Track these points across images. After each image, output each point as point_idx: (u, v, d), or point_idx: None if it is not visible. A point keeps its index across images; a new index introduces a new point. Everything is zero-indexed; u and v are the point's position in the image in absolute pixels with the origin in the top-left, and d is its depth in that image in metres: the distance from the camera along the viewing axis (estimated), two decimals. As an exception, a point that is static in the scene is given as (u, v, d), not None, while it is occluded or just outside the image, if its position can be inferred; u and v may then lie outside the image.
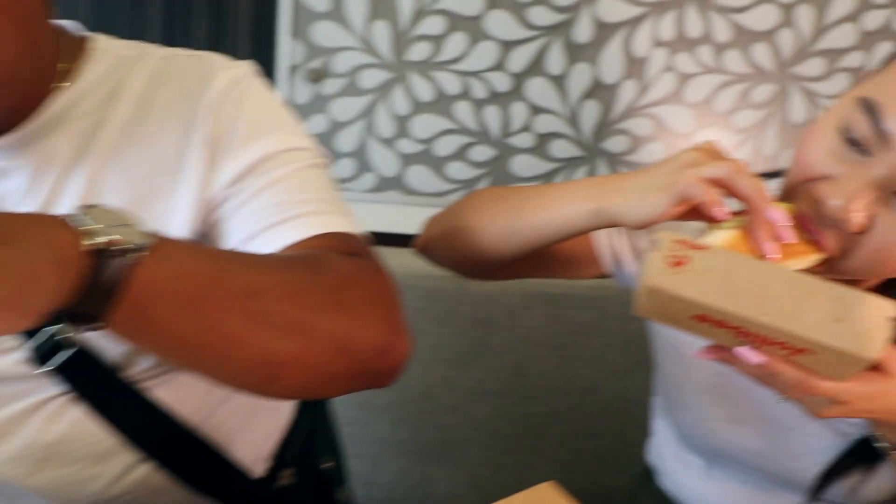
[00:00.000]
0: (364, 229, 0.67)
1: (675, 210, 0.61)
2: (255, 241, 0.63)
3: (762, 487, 0.81)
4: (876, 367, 0.57)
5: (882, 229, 0.58)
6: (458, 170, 1.44)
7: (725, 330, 0.55)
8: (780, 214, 0.58)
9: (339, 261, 0.58)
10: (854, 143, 0.59)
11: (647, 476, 0.98)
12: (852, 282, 0.68)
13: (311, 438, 0.89)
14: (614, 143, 1.42)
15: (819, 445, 0.74)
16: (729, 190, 0.59)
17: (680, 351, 0.82)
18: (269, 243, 0.62)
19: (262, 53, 1.42)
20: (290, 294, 0.52)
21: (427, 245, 0.87)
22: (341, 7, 1.38)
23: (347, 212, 0.68)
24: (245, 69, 0.71)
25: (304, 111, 1.43)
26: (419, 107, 1.42)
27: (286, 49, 1.40)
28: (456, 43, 1.38)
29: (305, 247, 0.62)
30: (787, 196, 0.65)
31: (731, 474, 0.83)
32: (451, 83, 1.40)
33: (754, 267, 0.53)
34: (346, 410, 1.31)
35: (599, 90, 1.40)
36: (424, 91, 1.41)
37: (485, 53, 1.39)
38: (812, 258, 0.61)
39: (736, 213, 0.61)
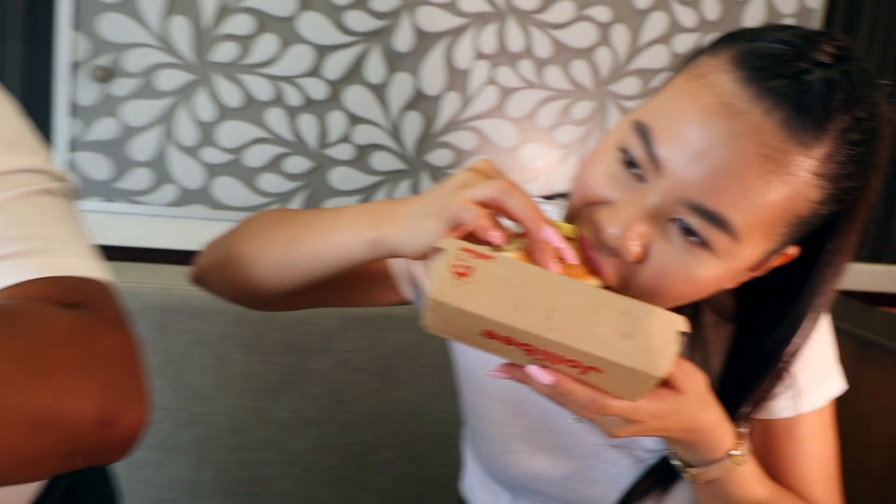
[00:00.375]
0: (103, 275, 0.55)
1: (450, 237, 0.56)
2: None
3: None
4: (667, 384, 0.55)
5: (658, 258, 0.56)
6: (271, 182, 1.33)
7: (515, 347, 0.51)
8: (554, 235, 0.54)
9: (47, 315, 0.47)
10: (631, 167, 0.57)
11: (458, 511, 0.94)
12: None
13: (70, 495, 0.76)
14: (437, 157, 1.38)
15: (617, 471, 0.74)
16: (501, 211, 0.55)
17: (479, 380, 0.78)
18: None
19: (37, 47, 1.24)
20: None
21: (201, 275, 0.77)
22: (133, -2, 1.24)
23: (81, 250, 0.56)
24: None
25: (89, 114, 1.26)
26: (226, 113, 1.29)
27: (66, 43, 1.22)
28: (266, 45, 1.28)
29: (6, 297, 0.50)
30: (570, 219, 0.62)
31: None
32: (261, 88, 1.29)
33: (542, 278, 0.50)
34: (140, 451, 1.16)
35: (421, 101, 1.35)
36: (231, 95, 1.29)
37: (298, 58, 1.29)
38: (593, 283, 0.58)
39: (519, 235, 0.57)
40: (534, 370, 0.52)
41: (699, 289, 0.58)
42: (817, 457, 0.72)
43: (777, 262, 0.62)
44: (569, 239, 0.58)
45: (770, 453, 0.72)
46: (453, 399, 1.23)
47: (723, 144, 0.52)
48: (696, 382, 0.57)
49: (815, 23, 1.47)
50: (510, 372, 0.55)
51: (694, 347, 0.72)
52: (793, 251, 0.61)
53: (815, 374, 0.71)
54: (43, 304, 0.48)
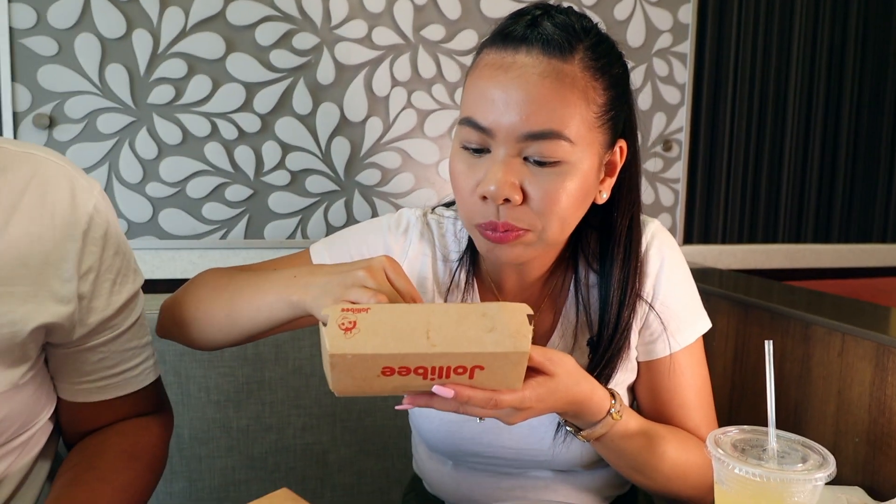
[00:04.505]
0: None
1: None
2: None
3: (508, 473, 0.91)
4: (541, 373, 0.69)
5: (537, 188, 0.73)
6: (214, 210, 1.43)
7: (412, 375, 0.61)
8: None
9: (156, 447, 0.87)
10: (476, 152, 0.75)
11: (414, 483, 1.05)
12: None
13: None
14: (366, 177, 1.51)
15: (539, 421, 0.84)
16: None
17: None
18: None
19: (-21, 100, 1.31)
20: None
21: (164, 332, 0.90)
22: (70, 50, 1.32)
23: None
24: None
25: (36, 160, 1.33)
26: (166, 149, 1.39)
27: (7, 95, 1.30)
28: (198, 85, 1.39)
29: (142, 406, 0.87)
30: (465, 223, 0.78)
31: (478, 468, 0.92)
32: (197, 125, 1.40)
33: (412, 311, 0.61)
34: (110, 472, 1.23)
35: (347, 127, 1.48)
36: (170, 133, 1.39)
37: (230, 95, 1.40)
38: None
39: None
40: (438, 388, 0.63)
41: (579, 198, 0.75)
42: (694, 386, 0.86)
43: (619, 158, 0.80)
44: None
45: (656, 389, 0.87)
46: (402, 396, 1.34)
47: (515, 88, 0.71)
48: (564, 364, 0.70)
49: (690, 36, 1.69)
50: (414, 400, 0.66)
51: (578, 311, 0.86)
52: (622, 144, 0.80)
53: (683, 318, 0.86)
54: (146, 431, 0.84)
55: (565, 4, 0.80)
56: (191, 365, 1.26)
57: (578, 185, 0.74)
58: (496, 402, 0.64)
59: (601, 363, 0.81)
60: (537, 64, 0.71)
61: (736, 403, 1.23)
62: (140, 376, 0.83)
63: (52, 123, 1.33)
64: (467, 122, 0.74)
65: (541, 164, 0.72)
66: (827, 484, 0.61)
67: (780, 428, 0.64)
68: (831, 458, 0.60)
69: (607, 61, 0.76)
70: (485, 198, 0.73)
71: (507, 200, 0.72)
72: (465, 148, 0.75)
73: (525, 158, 0.73)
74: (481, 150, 0.74)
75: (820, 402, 1.06)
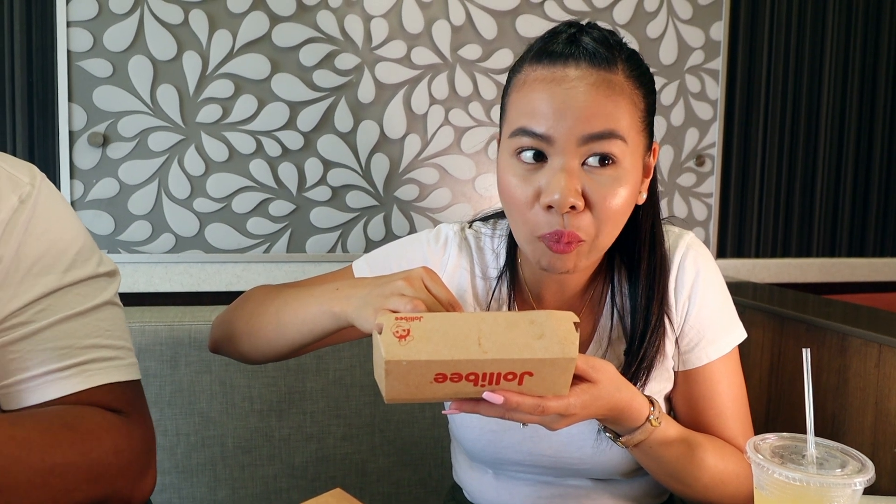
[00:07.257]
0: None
1: None
2: None
3: (547, 482, 0.93)
4: (584, 380, 0.71)
5: (597, 192, 0.75)
6: (258, 225, 1.48)
7: (464, 381, 0.63)
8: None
9: (101, 431, 0.69)
10: (535, 158, 0.76)
11: (453, 491, 1.07)
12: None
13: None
14: (405, 192, 1.55)
15: (578, 428, 0.87)
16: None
17: None
18: None
19: (40, 119, 1.37)
20: None
21: (215, 347, 0.94)
22: (124, 72, 1.39)
23: (129, 356, 0.75)
24: None
25: (90, 175, 1.40)
26: (213, 166, 1.44)
27: (64, 114, 1.37)
28: (245, 104, 1.44)
29: (76, 401, 0.69)
30: (523, 237, 0.79)
31: (518, 476, 0.94)
32: (243, 142, 1.45)
33: (463, 319, 0.63)
34: (160, 477, 1.27)
35: (386, 144, 1.52)
36: (217, 151, 1.44)
37: (274, 114, 1.45)
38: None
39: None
40: (488, 395, 0.65)
41: (630, 201, 0.78)
42: (730, 396, 0.87)
43: (652, 159, 0.83)
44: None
45: (693, 399, 0.88)
46: (441, 406, 1.37)
47: (571, 98, 0.74)
48: (605, 371, 0.72)
49: (722, 53, 1.71)
50: (460, 406, 0.68)
51: (614, 320, 0.88)
52: (656, 145, 0.84)
53: (718, 328, 0.88)
54: (99, 416, 0.68)
55: (594, 24, 0.84)
56: (235, 375, 1.30)
57: (630, 188, 0.77)
58: (543, 408, 0.66)
59: (636, 363, 0.83)
60: (587, 76, 0.75)
61: (772, 415, 1.23)
62: (73, 378, 0.69)
63: (105, 141, 1.39)
64: (522, 132, 0.76)
65: (599, 166, 0.75)
66: (866, 494, 0.62)
67: (818, 437, 0.65)
68: (870, 464, 0.61)
69: (641, 71, 0.80)
70: (549, 207, 0.75)
71: (572, 208, 0.74)
72: (519, 160, 0.77)
73: (583, 164, 0.75)
74: (536, 160, 0.76)
75: (857, 413, 1.06)
